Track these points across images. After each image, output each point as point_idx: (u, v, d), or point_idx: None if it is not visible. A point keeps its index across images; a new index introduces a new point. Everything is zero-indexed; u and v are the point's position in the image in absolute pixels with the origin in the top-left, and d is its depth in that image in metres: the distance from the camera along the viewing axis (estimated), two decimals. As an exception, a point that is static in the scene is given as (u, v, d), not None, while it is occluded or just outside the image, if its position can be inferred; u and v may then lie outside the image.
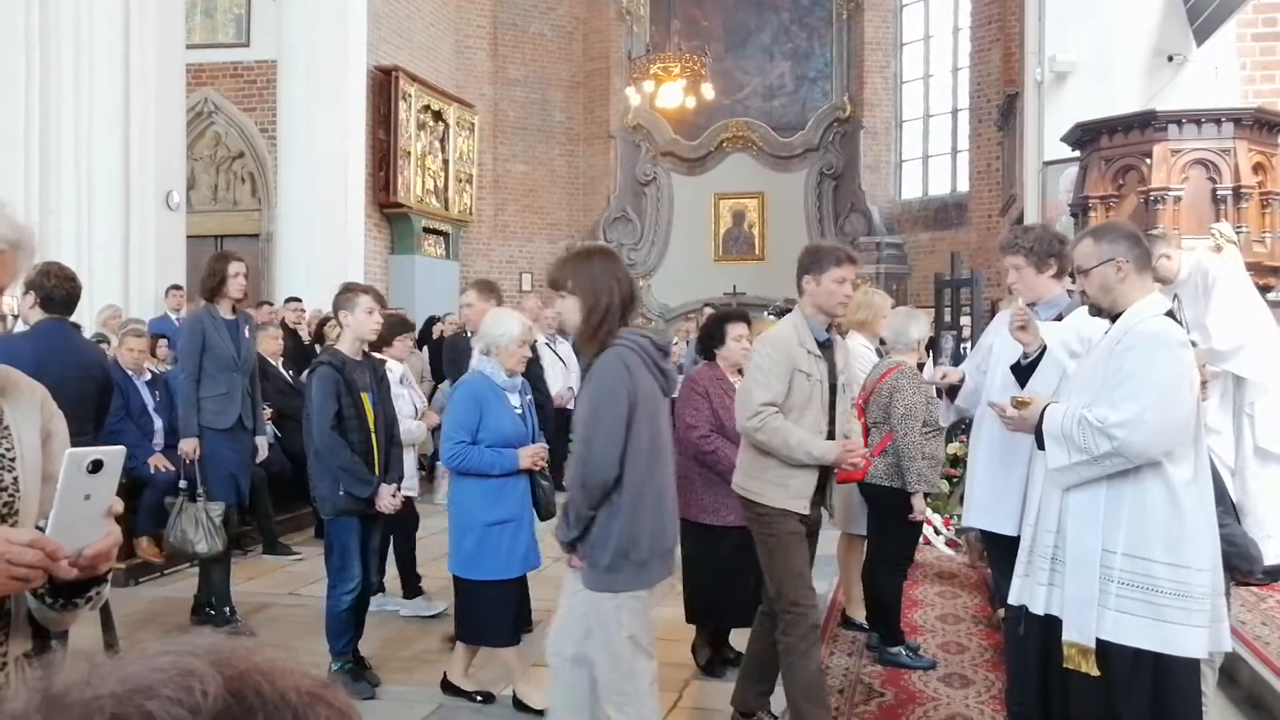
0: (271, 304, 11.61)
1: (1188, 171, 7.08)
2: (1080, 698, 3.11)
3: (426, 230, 16.38)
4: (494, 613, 4.68)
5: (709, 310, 12.48)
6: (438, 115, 16.63)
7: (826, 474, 4.14)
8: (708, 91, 16.45)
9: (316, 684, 0.71)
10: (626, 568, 3.38)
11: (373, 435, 4.90)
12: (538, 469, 4.73)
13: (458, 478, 4.71)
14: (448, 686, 4.86)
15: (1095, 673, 3.05)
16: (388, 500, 4.87)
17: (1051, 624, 3.18)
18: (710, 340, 5.23)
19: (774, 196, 19.11)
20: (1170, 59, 8.44)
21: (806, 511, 4.05)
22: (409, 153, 15.65)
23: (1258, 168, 7.07)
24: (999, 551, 4.08)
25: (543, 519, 4.79)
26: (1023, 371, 3.78)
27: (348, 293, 5.00)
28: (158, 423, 6.99)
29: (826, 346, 4.13)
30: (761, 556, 4.14)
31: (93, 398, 4.89)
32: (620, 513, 3.35)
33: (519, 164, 19.12)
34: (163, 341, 8.42)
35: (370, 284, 5.14)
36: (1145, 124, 7.19)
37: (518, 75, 19.08)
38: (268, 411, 8.30)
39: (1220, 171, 7.01)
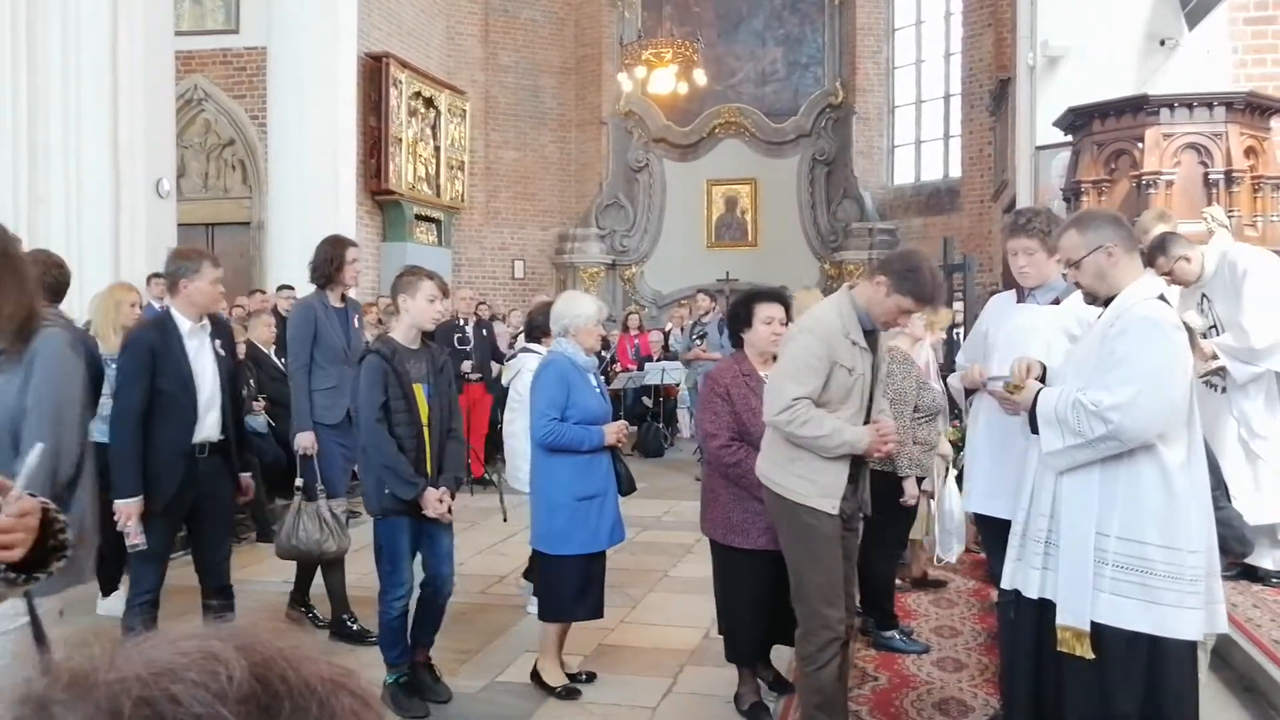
0: (264, 292, 11.58)
1: (1180, 156, 7.09)
2: (1074, 681, 3.12)
3: (418, 217, 16.33)
4: (581, 588, 4.70)
5: (701, 296, 12.49)
6: (429, 102, 16.57)
7: (859, 465, 3.88)
8: (700, 77, 16.40)
9: (340, 672, 0.71)
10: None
11: (425, 430, 4.53)
12: (620, 445, 4.80)
13: (544, 457, 4.71)
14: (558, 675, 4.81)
15: (1090, 656, 3.05)
16: (434, 505, 4.47)
17: (1045, 608, 3.19)
18: (738, 323, 4.61)
19: (766, 182, 19.10)
20: (1162, 43, 8.44)
21: (835, 510, 3.76)
22: (400, 139, 15.59)
23: (1249, 152, 7.08)
24: (995, 536, 4.08)
25: (624, 494, 4.83)
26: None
27: (409, 276, 4.61)
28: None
29: (872, 335, 3.84)
30: (786, 551, 3.92)
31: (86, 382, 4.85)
32: (74, 510, 2.86)
33: (511, 150, 19.07)
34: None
35: (433, 270, 4.87)
36: (1137, 108, 7.19)
37: (509, 61, 19.01)
38: (261, 402, 8.31)
39: (1212, 155, 7.02)
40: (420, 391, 4.53)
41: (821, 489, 3.74)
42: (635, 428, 13.15)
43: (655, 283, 19.18)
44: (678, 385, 13.28)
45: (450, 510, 4.58)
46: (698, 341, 11.58)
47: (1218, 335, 5.35)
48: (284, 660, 0.68)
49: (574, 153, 19.56)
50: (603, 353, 13.45)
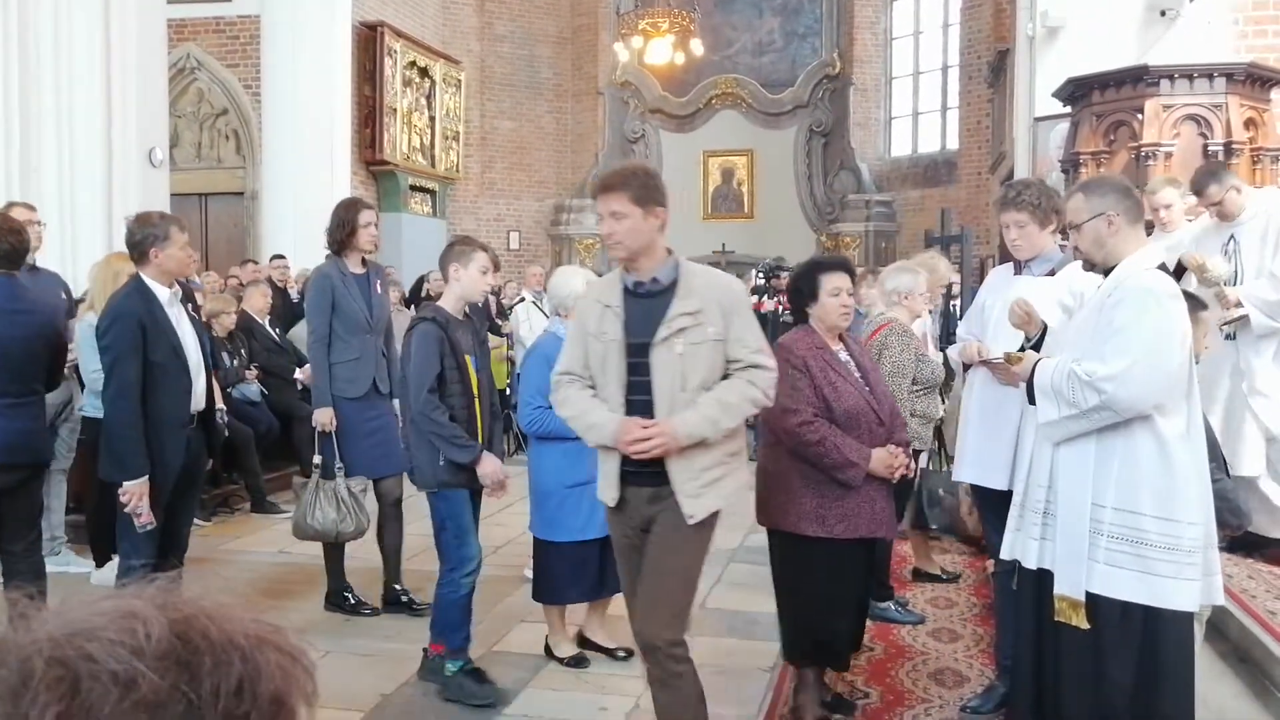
0: (256, 262, 11.54)
1: (1179, 127, 7.06)
2: (1071, 651, 3.12)
3: (413, 188, 16.25)
4: (575, 573, 4.68)
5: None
6: (424, 72, 16.45)
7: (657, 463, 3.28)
8: (696, 48, 16.30)
9: (265, 628, 0.71)
10: None
11: (476, 403, 4.40)
12: None
13: (536, 442, 4.68)
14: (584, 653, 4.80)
15: (1085, 626, 3.06)
16: (493, 467, 4.34)
17: (1044, 578, 3.19)
18: (800, 296, 4.11)
19: (763, 154, 19.01)
20: (1163, 14, 8.38)
21: (612, 502, 3.38)
22: (395, 110, 15.49)
23: (1249, 123, 7.06)
24: (990, 506, 4.08)
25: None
26: None
27: (463, 246, 4.47)
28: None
29: (651, 296, 3.28)
30: None
31: (41, 357, 4.56)
32: None
33: (506, 121, 18.97)
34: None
35: (485, 242, 4.74)
36: (1137, 79, 7.16)
37: (505, 31, 18.88)
38: (254, 371, 8.29)
39: (1212, 127, 7.00)
40: (470, 364, 4.41)
41: (603, 478, 3.41)
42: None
43: (651, 254, 19.10)
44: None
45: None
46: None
47: (1238, 282, 5.19)
48: (206, 617, 0.67)
49: (570, 123, 19.46)
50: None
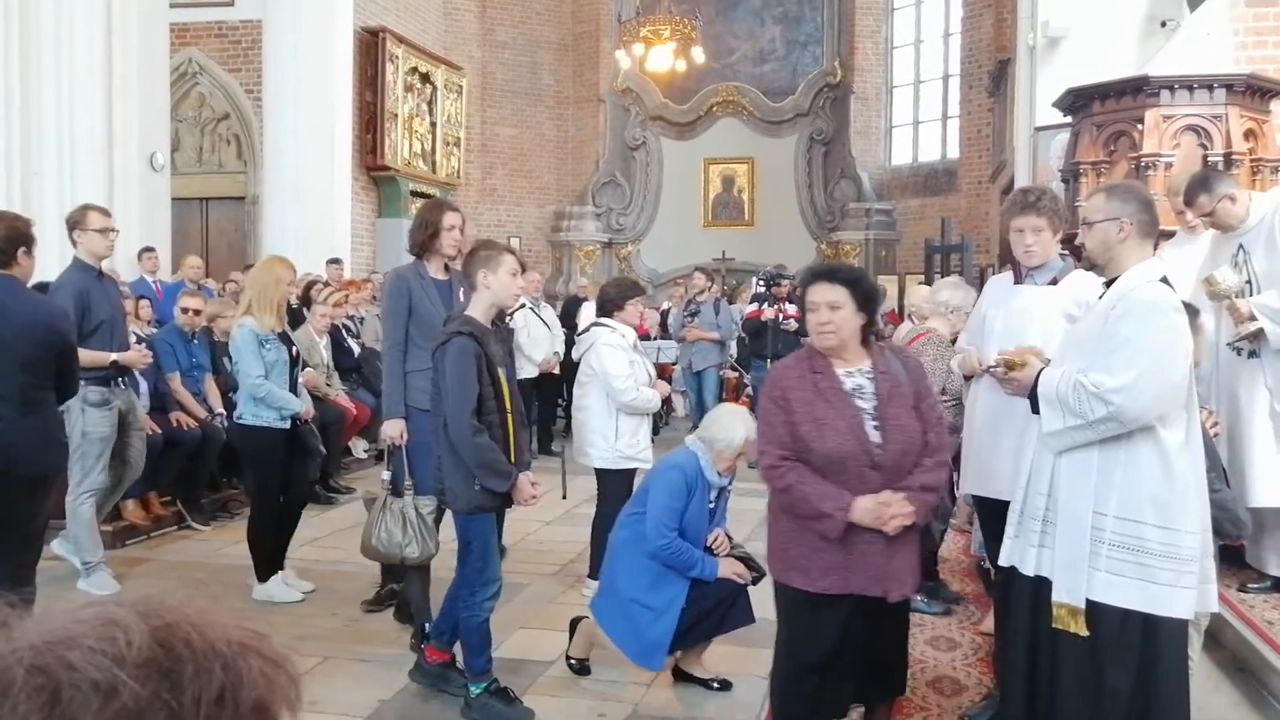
0: (258, 267, 11.55)
1: (1179, 138, 7.06)
2: (1069, 659, 3.13)
3: (414, 194, 16.24)
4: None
5: (697, 274, 12.39)
6: (425, 77, 16.48)
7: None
8: (698, 55, 16.32)
9: (249, 634, 0.70)
10: None
11: (509, 418, 4.14)
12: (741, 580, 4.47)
13: (629, 542, 4.48)
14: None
15: (1084, 633, 3.07)
16: (529, 491, 4.16)
17: (1040, 585, 3.20)
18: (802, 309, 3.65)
19: (764, 162, 19.04)
20: (1163, 24, 8.41)
21: None
22: (396, 115, 15.51)
23: (1249, 134, 7.05)
24: (992, 518, 4.09)
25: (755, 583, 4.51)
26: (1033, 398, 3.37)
27: (487, 250, 4.19)
28: (143, 385, 6.92)
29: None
30: None
31: (44, 360, 4.39)
32: None
33: (507, 127, 19.00)
34: (144, 303, 8.38)
35: (508, 244, 4.57)
36: (1137, 90, 7.16)
37: (506, 37, 18.92)
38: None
39: (1212, 138, 6.99)
40: (503, 376, 4.16)
41: None
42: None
43: (651, 261, 19.14)
44: (674, 364, 13.26)
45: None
46: (691, 320, 11.55)
47: (1254, 293, 4.87)
48: (189, 625, 0.67)
49: (571, 130, 19.49)
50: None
